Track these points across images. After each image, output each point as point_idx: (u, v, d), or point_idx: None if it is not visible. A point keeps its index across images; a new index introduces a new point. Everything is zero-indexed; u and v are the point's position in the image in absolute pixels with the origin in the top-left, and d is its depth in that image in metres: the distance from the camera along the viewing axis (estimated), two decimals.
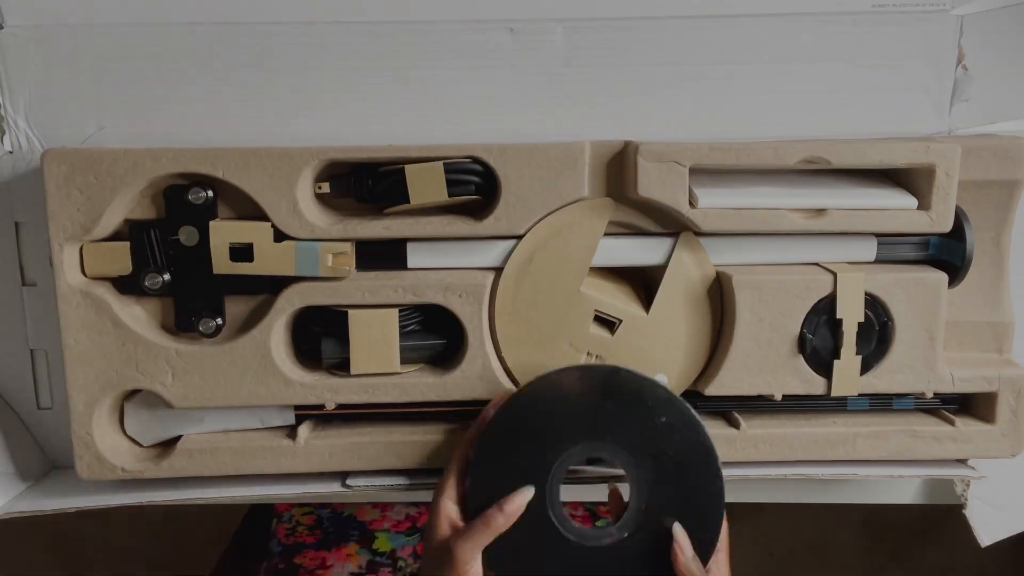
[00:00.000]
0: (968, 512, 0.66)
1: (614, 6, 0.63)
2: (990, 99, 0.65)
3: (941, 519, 1.43)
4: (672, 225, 0.59)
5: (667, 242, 0.60)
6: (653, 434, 0.53)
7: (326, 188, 0.58)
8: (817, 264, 0.60)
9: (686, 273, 0.59)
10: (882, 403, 0.62)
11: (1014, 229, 0.62)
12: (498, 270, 0.59)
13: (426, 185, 0.56)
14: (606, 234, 0.60)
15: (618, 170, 0.57)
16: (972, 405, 0.62)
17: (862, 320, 0.58)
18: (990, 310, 0.62)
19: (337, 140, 0.60)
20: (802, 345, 0.58)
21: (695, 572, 0.51)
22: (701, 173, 0.58)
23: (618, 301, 0.60)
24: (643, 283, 0.63)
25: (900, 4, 0.63)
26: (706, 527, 0.53)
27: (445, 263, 0.59)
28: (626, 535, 0.53)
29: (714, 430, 0.60)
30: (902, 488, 0.69)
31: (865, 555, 1.47)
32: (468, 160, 0.56)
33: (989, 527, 0.66)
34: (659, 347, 0.60)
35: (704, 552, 0.53)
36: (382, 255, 0.59)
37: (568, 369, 0.55)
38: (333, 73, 0.63)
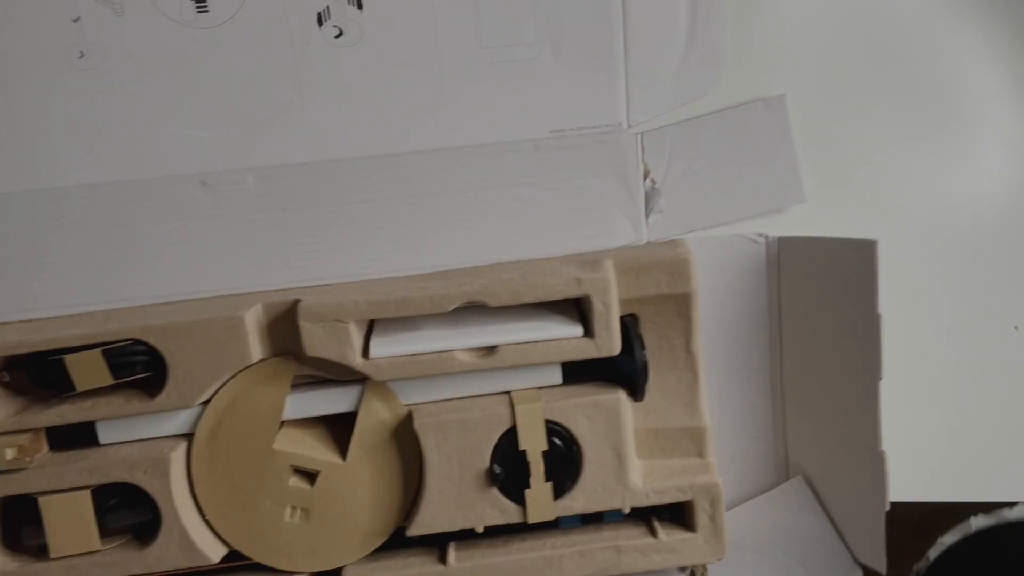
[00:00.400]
0: None
1: (303, 151, 0.64)
2: (682, 209, 0.67)
3: (941, 520, 1.43)
4: (355, 373, 0.59)
5: (356, 389, 0.60)
6: None
7: (6, 377, 0.58)
8: (508, 393, 0.61)
9: (378, 417, 0.60)
10: (594, 517, 0.63)
11: (705, 334, 0.63)
12: (191, 436, 0.59)
13: (89, 373, 0.56)
14: (297, 385, 0.60)
15: (292, 328, 0.58)
16: (680, 512, 0.63)
17: (546, 448, 0.59)
18: (688, 416, 0.63)
19: (35, 313, 0.60)
20: (492, 478, 0.59)
21: None
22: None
23: (315, 452, 0.60)
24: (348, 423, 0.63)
25: (577, 128, 0.64)
26: None
27: (137, 435, 0.60)
28: None
29: (423, 568, 0.60)
30: None
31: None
32: (130, 343, 0.56)
33: None
34: (362, 492, 0.60)
35: None
36: (74, 436, 0.59)
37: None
38: (21, 242, 0.63)
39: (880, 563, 0.61)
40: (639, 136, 0.65)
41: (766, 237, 0.68)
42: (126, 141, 0.62)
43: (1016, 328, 0.73)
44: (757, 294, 0.68)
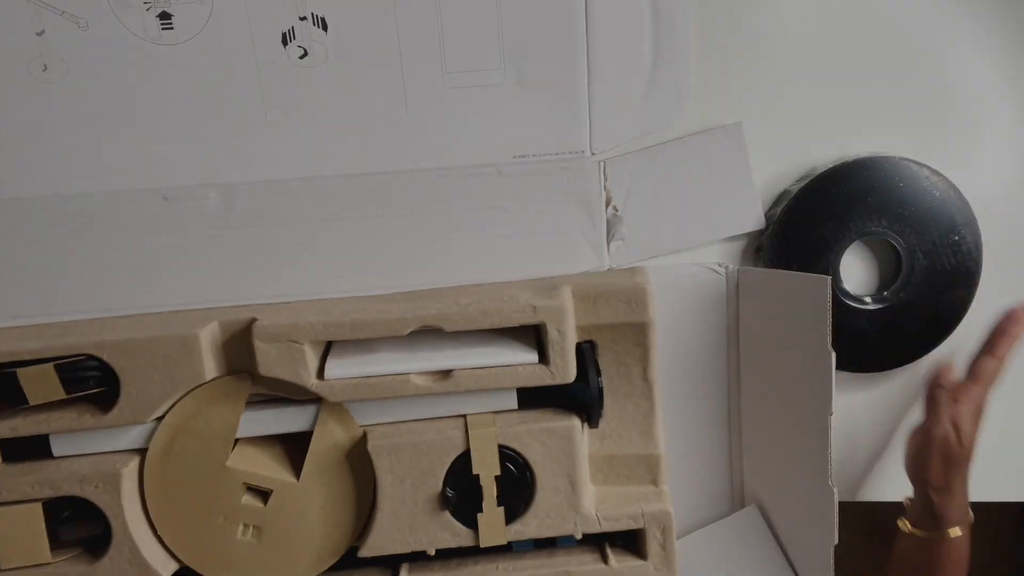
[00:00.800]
0: None
1: (266, 169, 0.64)
2: (643, 236, 0.67)
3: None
4: (310, 393, 0.59)
5: (312, 409, 0.60)
6: None
7: None
8: (463, 416, 0.61)
9: (332, 438, 0.60)
10: (547, 542, 0.63)
11: (660, 363, 0.63)
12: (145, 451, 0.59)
13: (42, 386, 0.56)
14: (252, 403, 0.60)
15: (247, 347, 0.58)
16: (633, 539, 0.63)
17: (498, 473, 0.59)
18: (643, 443, 0.63)
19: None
20: (445, 502, 0.59)
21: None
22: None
23: (269, 470, 0.60)
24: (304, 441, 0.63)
25: (540, 154, 0.64)
26: None
27: (92, 449, 0.59)
28: None
29: None
30: None
31: (866, 554, 1.46)
32: (83, 358, 0.56)
33: None
34: (314, 512, 0.60)
35: None
36: (26, 448, 0.59)
37: None
38: None
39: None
40: (601, 163, 0.65)
41: (726, 268, 0.68)
42: (88, 154, 0.62)
43: None
44: (716, 324, 0.68)
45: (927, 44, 0.67)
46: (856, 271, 0.70)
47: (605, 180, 0.65)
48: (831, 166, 0.67)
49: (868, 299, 0.68)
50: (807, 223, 0.66)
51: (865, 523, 1.47)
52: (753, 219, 0.68)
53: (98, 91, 0.60)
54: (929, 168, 0.66)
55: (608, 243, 0.67)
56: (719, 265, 0.68)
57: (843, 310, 0.66)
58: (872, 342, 0.68)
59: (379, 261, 0.65)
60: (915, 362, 0.70)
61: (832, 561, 0.59)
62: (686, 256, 0.69)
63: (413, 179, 0.64)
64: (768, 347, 0.64)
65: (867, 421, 0.71)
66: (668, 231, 0.67)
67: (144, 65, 0.60)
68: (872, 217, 0.66)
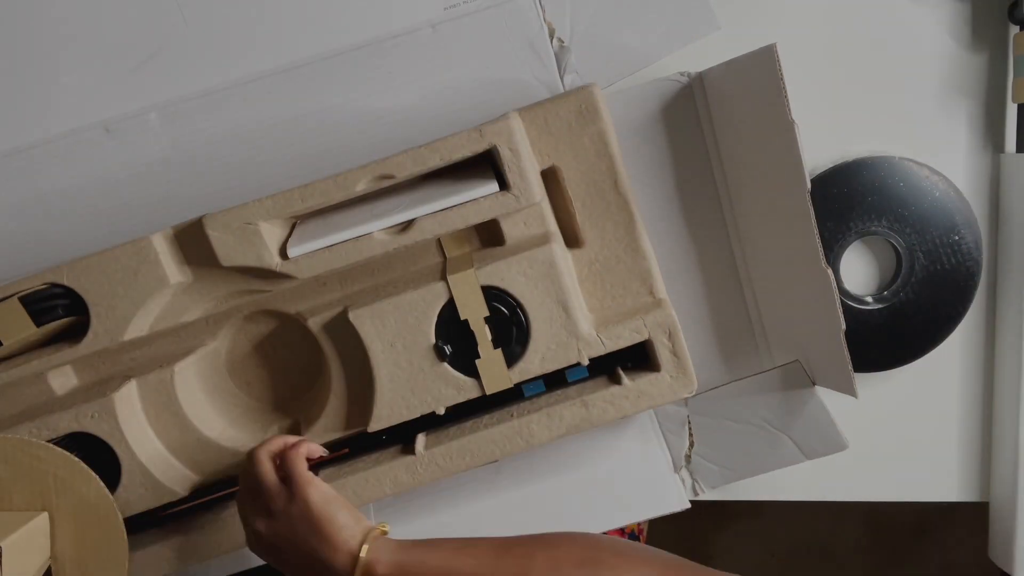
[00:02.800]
0: (691, 468, 0.64)
1: (199, 80, 0.61)
2: (597, 63, 0.63)
3: (941, 519, 1.40)
4: (278, 276, 0.56)
5: None
6: None
7: None
8: (441, 260, 0.58)
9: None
10: (558, 379, 0.59)
11: (647, 186, 0.60)
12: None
13: (11, 323, 0.54)
14: None
15: (205, 243, 0.55)
16: (643, 356, 0.59)
17: (487, 315, 0.56)
18: (630, 257, 0.59)
19: None
20: (441, 354, 0.56)
21: None
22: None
23: None
24: None
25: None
26: None
27: None
28: None
29: (393, 461, 0.58)
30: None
31: (866, 554, 1.42)
32: (46, 287, 0.54)
33: (709, 479, 0.64)
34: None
35: None
36: None
37: None
38: None
39: (847, 386, 0.57)
40: None
41: (688, 74, 0.64)
42: (20, 104, 0.60)
43: None
44: (692, 131, 0.64)
45: (930, 44, 0.65)
46: (856, 271, 0.67)
47: (543, 12, 0.61)
48: (831, 166, 0.64)
49: (868, 299, 0.66)
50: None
51: (865, 523, 1.43)
52: (705, 21, 0.63)
53: (15, 34, 0.58)
54: (929, 168, 0.64)
55: (562, 78, 0.63)
56: (680, 74, 0.64)
57: (843, 310, 0.62)
58: (872, 342, 0.66)
59: (328, 150, 0.62)
60: (915, 362, 0.67)
61: (845, 347, 0.55)
62: (645, 75, 0.65)
63: (346, 59, 0.61)
64: (744, 142, 0.60)
65: (867, 421, 0.67)
66: (621, 52, 0.63)
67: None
68: (872, 217, 0.64)
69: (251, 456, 0.51)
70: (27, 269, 0.61)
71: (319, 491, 0.48)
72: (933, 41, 0.65)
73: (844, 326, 0.55)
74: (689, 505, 0.65)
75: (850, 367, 0.56)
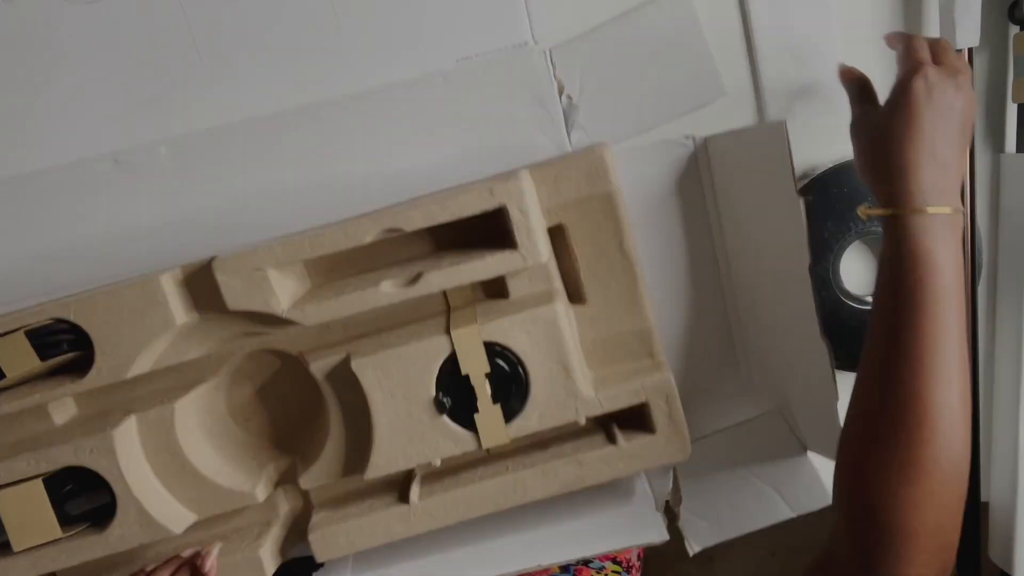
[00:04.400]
0: (680, 524, 0.63)
1: (212, 115, 0.61)
2: (603, 122, 0.62)
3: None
4: (283, 322, 0.56)
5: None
6: None
7: None
8: (444, 316, 0.57)
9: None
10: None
11: (647, 243, 0.59)
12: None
13: (16, 357, 0.53)
14: None
15: (212, 285, 0.55)
16: (639, 417, 0.59)
17: (488, 371, 0.55)
18: (632, 319, 0.59)
19: None
20: (440, 407, 0.56)
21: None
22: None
23: None
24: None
25: (483, 52, 0.61)
26: None
27: None
28: None
29: (387, 509, 0.57)
30: None
31: None
32: (52, 322, 0.54)
33: (699, 537, 0.63)
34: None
35: None
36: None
37: None
38: None
39: (830, 450, 0.57)
40: (547, 52, 0.61)
41: (693, 138, 0.64)
42: (31, 131, 0.59)
43: None
44: (693, 194, 0.64)
45: None
46: (856, 271, 0.66)
47: (554, 69, 0.61)
48: (831, 166, 0.63)
49: (869, 299, 0.65)
50: (807, 223, 0.61)
51: None
52: (713, 88, 0.63)
53: (32, 64, 0.58)
54: None
55: (568, 134, 0.63)
56: (685, 138, 0.64)
57: (843, 310, 0.63)
58: None
59: (337, 190, 0.62)
60: None
61: (836, 413, 0.55)
62: (650, 136, 0.64)
63: (360, 101, 0.61)
64: (746, 210, 0.60)
65: None
66: (628, 113, 0.63)
67: (73, 28, 0.58)
68: (872, 217, 0.62)
69: None
70: (31, 294, 0.61)
71: None
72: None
73: (839, 397, 0.55)
74: (668, 538, 0.63)
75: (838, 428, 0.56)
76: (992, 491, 0.68)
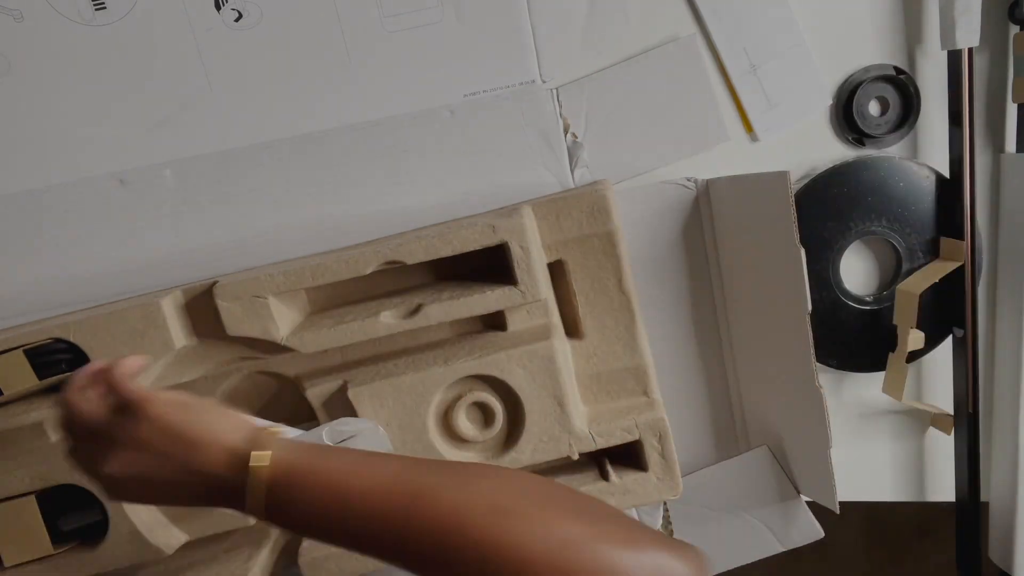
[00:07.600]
0: None
1: (217, 140, 0.59)
2: (607, 161, 0.62)
3: (941, 519, 1.37)
4: (282, 349, 0.54)
5: None
6: None
7: None
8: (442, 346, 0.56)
9: None
10: None
11: (645, 284, 0.58)
12: None
13: (13, 375, 0.52)
14: None
15: (212, 310, 0.53)
16: (632, 453, 0.57)
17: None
18: (628, 356, 0.58)
19: None
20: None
21: None
22: None
23: None
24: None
25: (490, 89, 0.60)
26: None
27: None
28: None
29: None
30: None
31: (866, 554, 1.40)
32: (50, 341, 0.52)
33: None
34: None
35: None
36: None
37: None
38: None
39: (829, 500, 0.55)
40: (554, 91, 0.60)
41: (695, 181, 0.63)
42: (38, 148, 0.58)
43: None
44: (693, 236, 0.62)
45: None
46: (856, 271, 0.65)
47: (560, 107, 0.60)
48: (831, 166, 0.62)
49: (868, 299, 0.64)
50: (807, 223, 0.60)
51: (865, 523, 1.40)
52: (716, 133, 0.63)
53: (42, 82, 0.57)
54: (929, 168, 0.62)
55: (572, 171, 0.61)
56: (687, 180, 0.63)
57: (843, 310, 0.62)
58: (871, 342, 0.64)
59: (342, 217, 0.61)
60: (915, 361, 0.65)
61: (830, 464, 0.53)
62: (652, 177, 0.63)
63: (366, 132, 0.60)
64: (745, 251, 0.59)
65: (867, 420, 0.66)
66: (632, 153, 0.62)
67: (83, 49, 0.56)
68: (872, 217, 0.62)
69: (65, 403, 0.42)
70: (31, 310, 0.59)
71: (165, 400, 0.40)
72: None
73: (832, 445, 0.54)
74: None
75: (834, 483, 0.55)
76: (992, 491, 0.67)
